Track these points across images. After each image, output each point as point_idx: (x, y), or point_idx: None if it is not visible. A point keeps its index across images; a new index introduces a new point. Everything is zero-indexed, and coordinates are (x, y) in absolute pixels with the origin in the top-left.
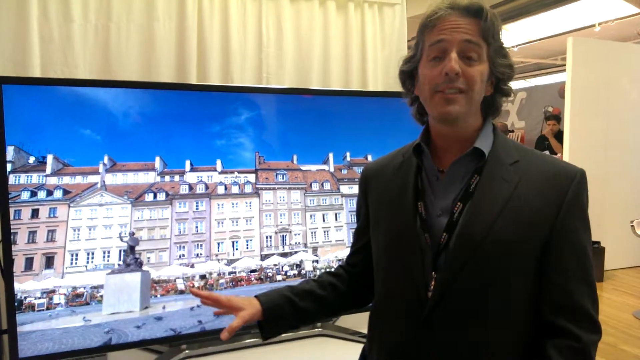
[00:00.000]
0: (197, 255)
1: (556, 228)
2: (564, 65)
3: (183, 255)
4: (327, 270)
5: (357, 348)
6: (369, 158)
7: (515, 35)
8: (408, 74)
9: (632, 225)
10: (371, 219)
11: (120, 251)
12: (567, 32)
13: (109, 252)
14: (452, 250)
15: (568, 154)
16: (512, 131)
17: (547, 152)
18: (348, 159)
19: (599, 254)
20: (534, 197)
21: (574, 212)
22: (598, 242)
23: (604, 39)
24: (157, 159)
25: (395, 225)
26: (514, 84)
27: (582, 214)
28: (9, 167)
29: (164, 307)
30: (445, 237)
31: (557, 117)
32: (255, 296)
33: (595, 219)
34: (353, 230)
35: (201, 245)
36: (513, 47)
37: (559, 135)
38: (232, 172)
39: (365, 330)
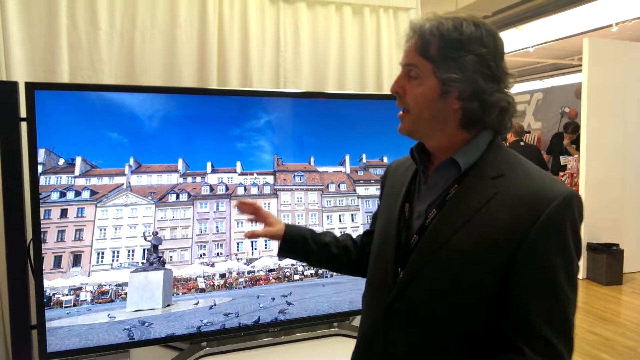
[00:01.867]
0: (218, 254)
1: (522, 248)
2: (581, 65)
3: (204, 254)
4: (350, 235)
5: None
6: (385, 160)
7: (531, 35)
8: None
9: None
10: (379, 209)
11: (144, 250)
12: (584, 32)
13: (133, 251)
14: (416, 252)
15: (585, 155)
16: (529, 132)
17: (565, 156)
18: (364, 160)
19: (617, 257)
20: (504, 213)
21: (546, 239)
22: (617, 245)
23: (621, 39)
24: (180, 161)
25: (386, 221)
26: (530, 85)
27: (560, 244)
28: (40, 168)
29: (186, 305)
30: (415, 239)
31: (576, 128)
32: (286, 225)
33: (614, 220)
34: None
35: (221, 244)
36: (529, 47)
37: (575, 140)
38: (252, 174)
39: None
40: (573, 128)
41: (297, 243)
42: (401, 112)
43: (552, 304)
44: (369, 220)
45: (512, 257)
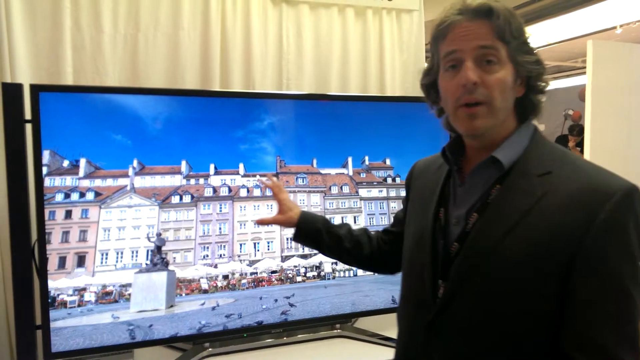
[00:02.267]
0: (220, 255)
1: (581, 253)
2: (585, 67)
3: (207, 255)
4: (366, 230)
5: (376, 350)
6: (387, 162)
7: (534, 37)
8: (430, 87)
9: None
10: (407, 213)
11: (147, 251)
12: (587, 34)
13: (137, 251)
14: (459, 262)
15: (589, 157)
16: None
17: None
18: (367, 162)
19: None
20: (557, 214)
21: (607, 238)
22: None
23: (625, 41)
24: (183, 163)
25: (419, 228)
26: None
27: (622, 239)
28: (44, 170)
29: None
30: (456, 247)
31: (581, 130)
32: (302, 213)
33: None
34: None
35: (224, 246)
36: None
37: (579, 143)
38: (254, 176)
39: (383, 333)
40: (578, 130)
41: (309, 233)
42: (476, 108)
43: (616, 310)
44: (372, 222)
45: (569, 262)
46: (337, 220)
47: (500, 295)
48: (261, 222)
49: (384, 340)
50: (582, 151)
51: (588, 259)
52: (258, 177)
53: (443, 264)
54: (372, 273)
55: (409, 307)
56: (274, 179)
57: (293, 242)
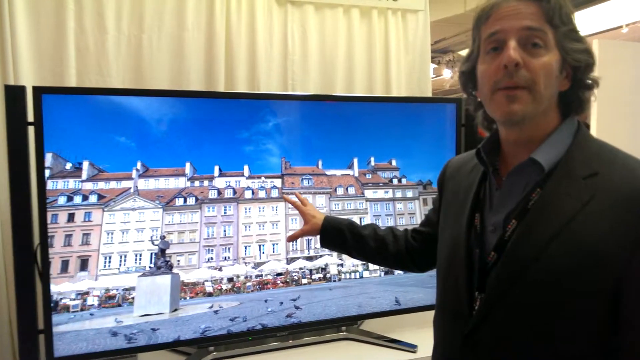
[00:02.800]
0: (225, 258)
1: (633, 262)
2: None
3: (211, 258)
4: (394, 229)
5: (382, 352)
6: (393, 163)
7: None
8: (468, 75)
9: None
10: (441, 216)
11: (151, 254)
12: (593, 34)
13: (140, 255)
14: (497, 272)
15: None
16: None
17: None
18: (372, 164)
19: None
20: (605, 220)
21: None
22: None
23: (631, 40)
24: (188, 165)
25: (453, 234)
26: None
27: None
28: (47, 172)
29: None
30: (493, 256)
31: (588, 128)
32: (325, 218)
33: None
34: None
35: (229, 248)
36: None
37: None
38: (259, 177)
39: (389, 335)
40: None
41: (333, 236)
42: (515, 90)
43: None
44: (378, 223)
45: (621, 273)
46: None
47: (542, 308)
48: (292, 239)
49: (390, 342)
50: None
51: (636, 279)
52: (283, 196)
53: (479, 274)
54: (378, 275)
55: (445, 317)
56: (298, 194)
57: (299, 244)
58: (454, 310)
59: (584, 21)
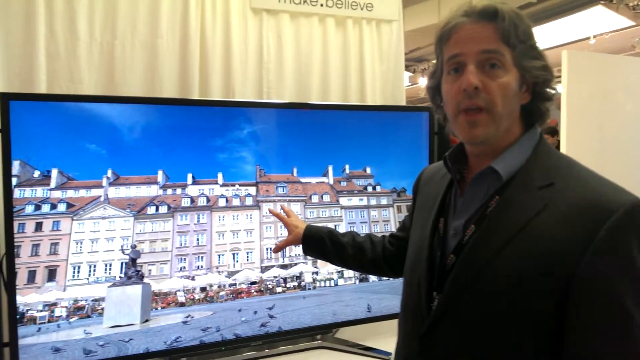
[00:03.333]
0: (198, 267)
1: (578, 272)
2: (560, 77)
3: (184, 267)
4: (372, 235)
5: None
6: (368, 170)
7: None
8: (435, 89)
9: None
10: (412, 222)
11: (121, 264)
12: (562, 45)
13: (110, 264)
14: (454, 274)
15: None
16: None
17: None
18: (347, 171)
19: None
20: (556, 229)
21: (605, 256)
22: None
23: (598, 52)
24: (160, 173)
25: (419, 237)
26: None
27: (624, 259)
28: (14, 181)
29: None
30: (452, 259)
31: (552, 130)
32: (307, 227)
33: None
34: None
35: (202, 257)
36: None
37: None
38: (233, 185)
39: (364, 343)
40: (549, 131)
41: (315, 245)
42: (471, 117)
43: (619, 337)
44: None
45: (567, 282)
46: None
47: (493, 312)
48: (277, 250)
49: (364, 350)
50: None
51: (585, 282)
52: (270, 209)
53: (439, 276)
54: (353, 282)
55: (406, 317)
56: (283, 207)
57: (272, 253)
58: (414, 309)
59: (553, 33)
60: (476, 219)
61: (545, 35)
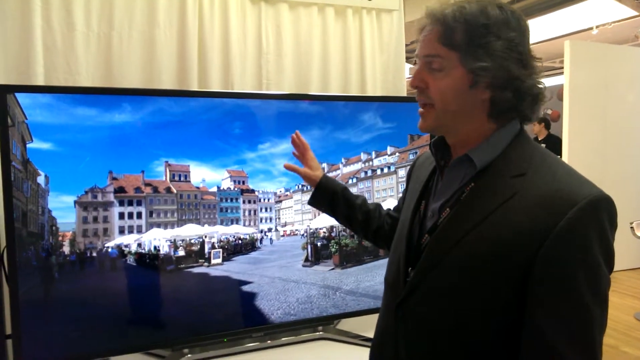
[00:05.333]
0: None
1: (539, 257)
2: (562, 67)
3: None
4: (379, 205)
5: (359, 351)
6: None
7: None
8: None
9: (631, 227)
10: (403, 205)
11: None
12: (565, 35)
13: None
14: (425, 252)
15: (567, 157)
16: None
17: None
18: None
19: None
20: (520, 216)
21: (566, 246)
22: None
23: (601, 42)
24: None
25: (403, 218)
26: None
27: (582, 251)
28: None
29: None
30: (426, 238)
31: (542, 119)
32: (324, 175)
33: None
34: None
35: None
36: None
37: (548, 140)
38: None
39: (366, 334)
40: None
41: (327, 195)
42: (422, 109)
43: (573, 322)
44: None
45: (528, 266)
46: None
47: (457, 288)
48: (290, 169)
49: (366, 341)
50: (549, 147)
51: (545, 267)
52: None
53: (415, 253)
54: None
55: (386, 291)
56: (301, 138)
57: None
58: (392, 284)
59: (556, 23)
60: (451, 203)
61: (547, 26)
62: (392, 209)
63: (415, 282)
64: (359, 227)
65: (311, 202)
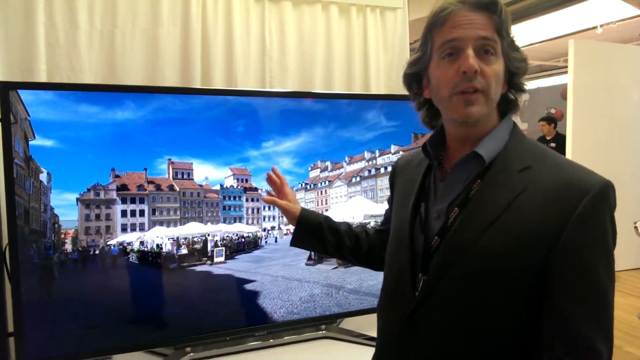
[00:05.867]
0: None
1: (558, 249)
2: (567, 67)
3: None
4: (364, 227)
5: (362, 350)
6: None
7: (517, 37)
8: (414, 77)
9: (635, 227)
10: (392, 211)
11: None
12: (569, 34)
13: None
14: (439, 255)
15: (571, 156)
16: None
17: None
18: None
19: None
20: (536, 209)
21: (583, 232)
22: None
23: (605, 41)
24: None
25: (399, 222)
26: None
27: (597, 236)
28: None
29: None
30: (436, 241)
31: (549, 119)
32: (302, 208)
33: None
34: None
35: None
36: None
37: (557, 139)
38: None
39: (369, 333)
40: (545, 117)
41: (312, 227)
42: (474, 94)
43: (595, 304)
44: None
45: (548, 256)
46: None
47: (479, 287)
48: (269, 202)
49: (369, 340)
50: (558, 146)
51: (565, 254)
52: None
53: (423, 258)
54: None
55: (389, 301)
56: (277, 172)
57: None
58: (398, 292)
59: (560, 22)
60: (459, 202)
61: (552, 24)
62: (380, 224)
63: (429, 288)
64: (350, 253)
65: (296, 240)
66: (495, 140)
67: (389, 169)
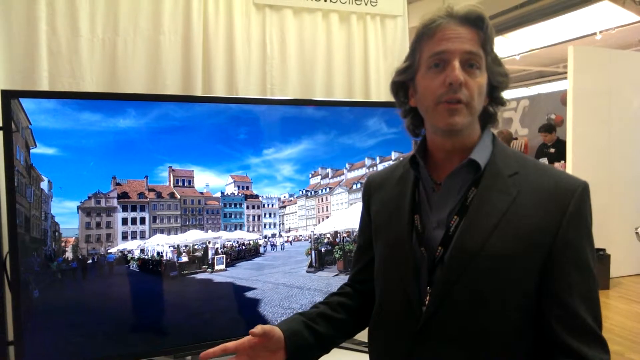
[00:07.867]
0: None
1: (557, 244)
2: (566, 73)
3: None
4: (334, 293)
5: (363, 358)
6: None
7: (517, 43)
8: (401, 85)
9: (637, 232)
10: (373, 231)
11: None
12: (568, 40)
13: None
14: (447, 265)
15: (571, 161)
16: (516, 138)
17: (545, 160)
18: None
19: (604, 262)
20: (532, 210)
21: (576, 227)
22: (603, 250)
23: (605, 47)
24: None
25: (392, 237)
26: (516, 92)
27: (585, 229)
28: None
29: None
30: (440, 251)
31: (548, 127)
32: (277, 324)
33: (600, 226)
34: None
35: None
36: (515, 55)
37: (557, 145)
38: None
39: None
40: (545, 127)
41: (303, 334)
42: (458, 105)
43: (591, 296)
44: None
45: (548, 253)
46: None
47: (489, 291)
48: (254, 334)
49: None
50: (558, 151)
51: (563, 249)
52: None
53: (428, 270)
54: None
55: (389, 317)
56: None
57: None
58: (402, 308)
59: (559, 28)
60: (457, 210)
61: (552, 31)
62: (356, 269)
63: (439, 299)
64: (345, 322)
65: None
66: (484, 149)
67: None
